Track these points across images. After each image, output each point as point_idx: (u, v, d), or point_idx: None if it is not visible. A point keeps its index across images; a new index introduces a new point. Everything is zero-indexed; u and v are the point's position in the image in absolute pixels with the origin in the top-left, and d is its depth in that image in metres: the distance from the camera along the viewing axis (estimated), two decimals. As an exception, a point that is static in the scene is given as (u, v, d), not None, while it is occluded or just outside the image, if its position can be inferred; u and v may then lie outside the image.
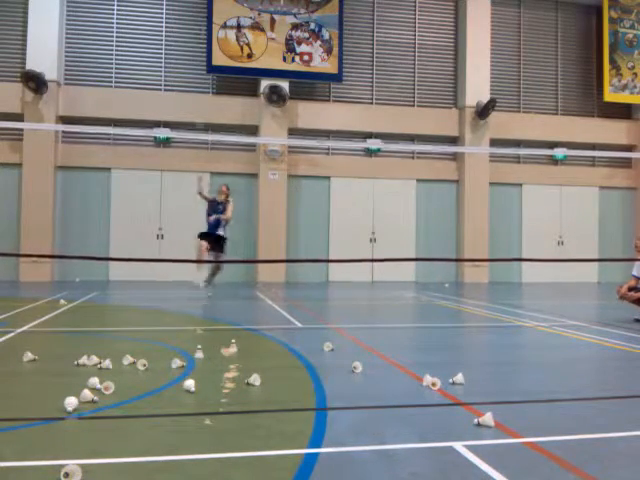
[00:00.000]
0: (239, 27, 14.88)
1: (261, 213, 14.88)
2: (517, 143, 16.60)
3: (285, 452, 2.59)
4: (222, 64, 14.80)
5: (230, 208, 10.30)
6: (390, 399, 3.54)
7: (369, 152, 16.07)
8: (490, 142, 16.01)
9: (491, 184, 16.17)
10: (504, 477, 2.31)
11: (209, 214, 10.31)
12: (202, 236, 10.15)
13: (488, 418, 2.96)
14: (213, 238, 10.05)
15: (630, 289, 7.51)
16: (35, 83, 13.60)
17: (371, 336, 6.12)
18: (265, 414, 3.20)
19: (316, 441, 2.73)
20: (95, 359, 4.31)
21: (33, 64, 13.77)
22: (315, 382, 3.93)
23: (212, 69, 14.86)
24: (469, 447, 2.64)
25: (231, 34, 14.85)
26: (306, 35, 15.17)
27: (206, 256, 9.94)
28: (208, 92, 15.31)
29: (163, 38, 15.16)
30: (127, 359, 4.37)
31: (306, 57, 15.15)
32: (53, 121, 13.94)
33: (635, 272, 7.65)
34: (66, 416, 3.05)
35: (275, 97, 14.70)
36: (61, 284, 12.76)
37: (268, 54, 14.97)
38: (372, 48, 16.13)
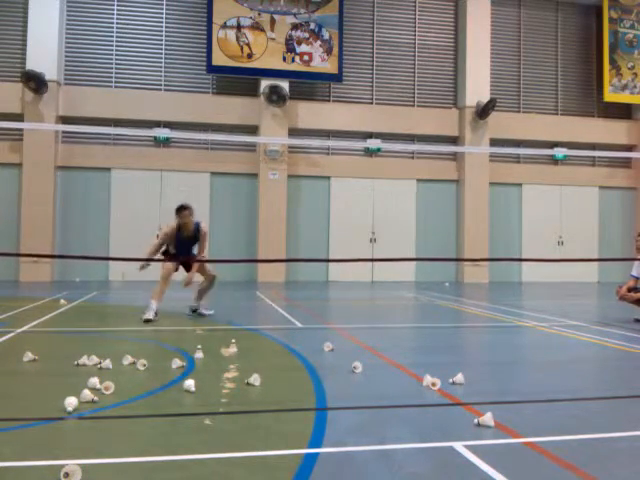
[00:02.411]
0: (239, 27, 14.88)
1: (261, 213, 14.87)
2: (517, 143, 16.60)
3: (285, 452, 2.59)
4: (222, 64, 14.80)
5: (205, 241, 7.62)
6: (390, 399, 3.54)
7: (369, 152, 16.07)
8: (490, 142, 16.01)
9: (491, 184, 16.18)
10: (504, 477, 2.31)
11: (183, 249, 7.55)
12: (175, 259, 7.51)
13: (488, 418, 2.96)
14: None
15: (629, 289, 7.50)
16: (35, 83, 13.60)
17: (371, 336, 6.12)
18: (265, 414, 3.20)
19: (316, 441, 2.73)
20: (95, 359, 4.31)
21: (33, 64, 13.78)
22: (315, 382, 3.93)
23: (212, 69, 14.86)
24: (469, 447, 2.64)
25: (231, 34, 14.85)
26: (306, 35, 15.17)
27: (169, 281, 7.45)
28: (208, 92, 15.31)
29: (163, 38, 15.17)
30: (127, 359, 4.37)
31: (306, 57, 15.16)
32: (53, 121, 13.95)
33: (634, 272, 7.65)
34: (66, 416, 3.04)
35: (275, 97, 14.70)
36: (61, 284, 12.75)
37: (268, 54, 14.97)
38: (372, 48, 16.13)
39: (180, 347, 5.08)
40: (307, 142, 15.56)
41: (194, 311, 7.56)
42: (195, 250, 7.63)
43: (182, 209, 7.42)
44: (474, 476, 2.34)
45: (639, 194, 17.33)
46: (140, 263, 7.06)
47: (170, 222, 7.57)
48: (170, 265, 7.34)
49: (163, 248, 7.49)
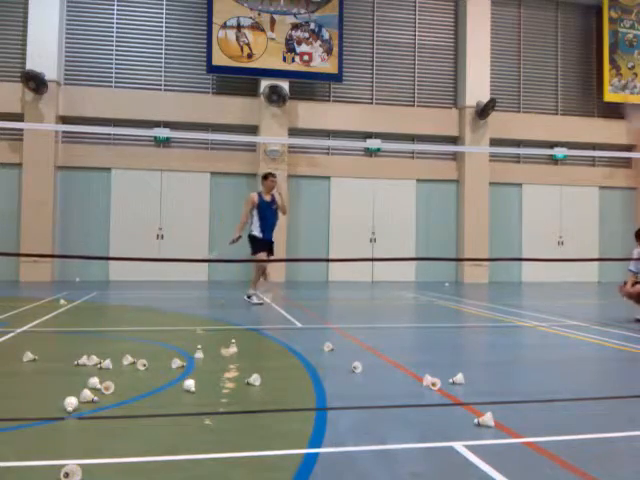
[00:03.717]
0: (239, 27, 14.88)
1: (261, 213, 14.85)
2: (517, 143, 16.60)
3: (285, 452, 2.59)
4: (222, 64, 14.80)
5: (281, 200, 9.01)
6: (390, 399, 3.54)
7: (369, 152, 16.07)
8: (490, 142, 16.01)
9: (491, 184, 16.18)
10: (504, 477, 2.31)
11: (268, 218, 8.90)
12: (264, 247, 8.84)
13: (488, 418, 2.96)
14: (270, 245, 9.00)
15: (633, 284, 7.49)
16: (35, 83, 13.60)
17: (371, 336, 6.12)
18: (265, 414, 3.20)
19: (316, 441, 2.73)
20: (95, 359, 4.31)
21: (33, 64, 13.77)
22: (315, 382, 3.93)
23: (212, 69, 14.86)
24: (469, 447, 2.64)
25: (231, 34, 14.85)
26: (306, 35, 15.17)
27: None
28: (208, 92, 15.31)
29: (163, 38, 15.17)
30: (127, 359, 4.37)
31: (306, 57, 15.16)
32: (53, 121, 13.94)
33: (632, 268, 7.65)
34: (66, 416, 3.04)
35: (275, 97, 14.70)
36: (61, 284, 12.76)
37: (268, 54, 14.97)
38: (372, 48, 16.13)
39: (180, 347, 5.08)
40: (307, 142, 15.55)
41: (249, 297, 8.89)
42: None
43: (271, 175, 9.11)
44: (474, 476, 2.34)
45: (639, 194, 17.33)
46: (232, 238, 8.68)
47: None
48: (262, 263, 8.75)
49: (249, 231, 8.83)
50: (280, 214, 9.13)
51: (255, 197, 8.90)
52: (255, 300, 8.76)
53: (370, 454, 2.57)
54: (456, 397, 3.56)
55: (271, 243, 9.00)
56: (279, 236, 14.75)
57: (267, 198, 8.93)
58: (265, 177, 9.09)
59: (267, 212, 8.87)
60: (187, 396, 3.51)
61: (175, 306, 8.86)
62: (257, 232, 8.81)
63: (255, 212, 8.83)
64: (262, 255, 8.71)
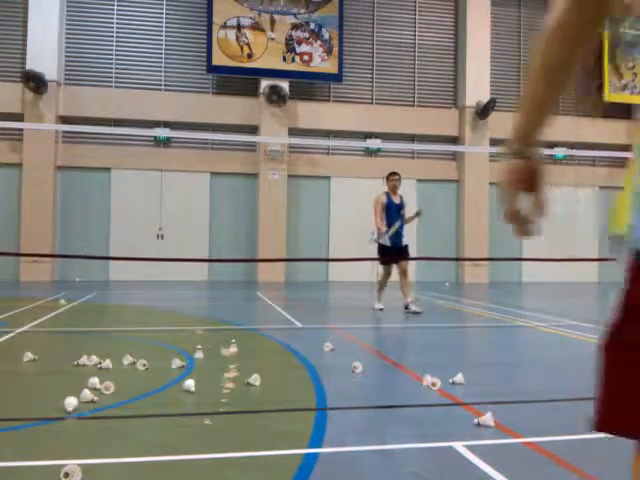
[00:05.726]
0: (239, 27, 14.88)
1: (261, 213, 14.87)
2: (517, 143, 16.57)
3: (285, 452, 2.59)
4: (222, 64, 14.80)
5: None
6: (390, 399, 3.54)
7: (369, 152, 16.06)
8: (490, 142, 16.00)
9: (491, 184, 16.17)
10: (504, 477, 2.31)
11: (391, 221, 8.16)
12: (388, 255, 8.36)
13: (488, 418, 2.96)
14: (400, 251, 8.39)
15: None
16: (35, 83, 13.60)
17: (371, 336, 6.13)
18: (265, 414, 3.20)
19: (316, 441, 2.73)
20: (95, 359, 4.31)
21: (33, 64, 13.77)
22: (315, 382, 3.93)
23: (212, 69, 14.86)
24: (469, 447, 2.64)
25: (231, 34, 14.85)
26: (306, 35, 15.17)
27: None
28: (208, 92, 15.31)
29: (163, 38, 15.16)
30: (127, 359, 4.37)
31: (306, 57, 15.15)
32: (53, 121, 13.94)
33: None
34: (66, 416, 3.05)
35: (275, 97, 14.70)
36: (61, 284, 12.75)
37: (268, 54, 14.97)
38: (372, 48, 16.12)
39: (180, 347, 5.08)
40: (307, 142, 15.55)
41: (406, 308, 8.43)
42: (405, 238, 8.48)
43: (393, 174, 8.40)
44: (474, 476, 2.34)
45: (639, 194, 17.31)
46: (381, 233, 8.22)
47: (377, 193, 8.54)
48: (385, 273, 8.71)
49: (374, 236, 8.63)
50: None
51: (383, 197, 8.14)
52: (377, 306, 8.56)
53: (370, 454, 2.57)
54: (456, 397, 3.56)
55: (402, 248, 8.39)
56: (279, 236, 14.83)
57: (395, 199, 8.18)
58: (387, 177, 8.39)
59: (395, 215, 8.13)
60: (187, 396, 3.52)
61: (175, 306, 8.86)
62: (383, 240, 8.22)
63: (383, 215, 8.12)
64: (384, 272, 8.67)
